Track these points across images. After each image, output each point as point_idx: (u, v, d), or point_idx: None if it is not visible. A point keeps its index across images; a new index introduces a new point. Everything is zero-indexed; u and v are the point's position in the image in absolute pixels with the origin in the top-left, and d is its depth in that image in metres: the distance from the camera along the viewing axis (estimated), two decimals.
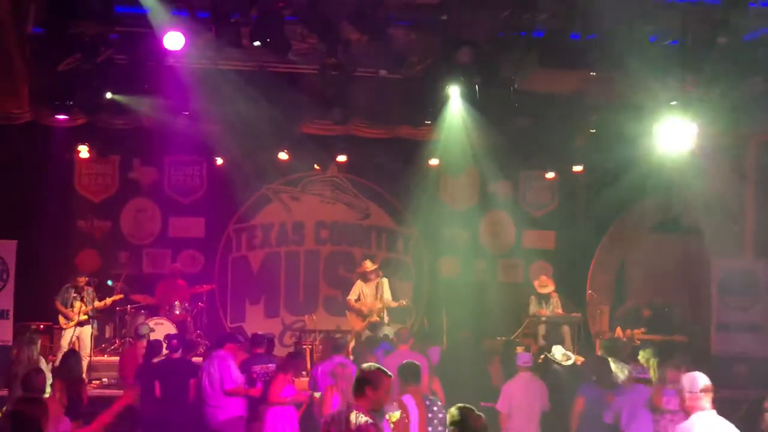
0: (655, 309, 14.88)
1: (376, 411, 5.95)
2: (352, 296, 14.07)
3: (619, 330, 14.70)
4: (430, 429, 7.19)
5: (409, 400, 7.33)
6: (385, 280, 14.05)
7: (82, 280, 13.55)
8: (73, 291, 13.41)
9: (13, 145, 13.93)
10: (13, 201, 14.66)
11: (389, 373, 6.09)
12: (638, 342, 14.36)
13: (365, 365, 6.22)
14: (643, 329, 14.57)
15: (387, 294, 13.90)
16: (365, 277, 14.00)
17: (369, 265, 14.11)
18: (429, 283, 17.02)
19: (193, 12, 9.67)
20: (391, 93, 12.28)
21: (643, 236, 16.65)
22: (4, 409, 7.44)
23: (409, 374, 7.58)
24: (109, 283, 14.56)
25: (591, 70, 10.67)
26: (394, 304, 13.97)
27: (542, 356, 12.48)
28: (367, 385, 5.92)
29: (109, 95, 11.84)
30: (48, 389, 8.88)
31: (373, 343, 11.90)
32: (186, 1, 9.66)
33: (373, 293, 13.90)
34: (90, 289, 13.58)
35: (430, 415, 7.35)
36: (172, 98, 11.93)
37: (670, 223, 16.60)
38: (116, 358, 13.53)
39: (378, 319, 13.63)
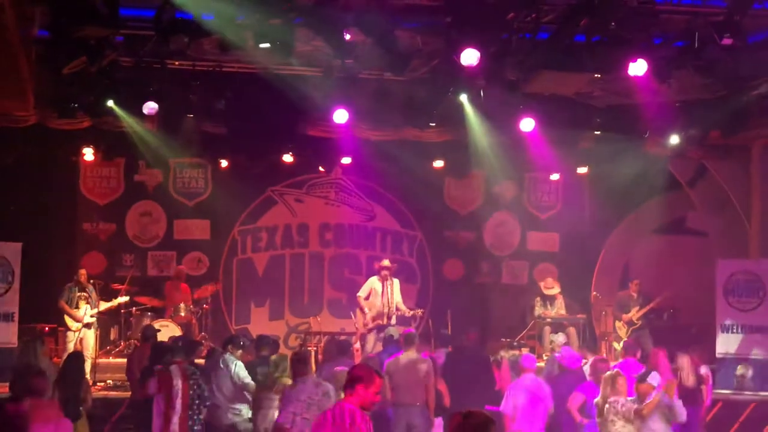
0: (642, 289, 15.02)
1: (366, 409, 6.06)
2: (362, 293, 13.97)
3: (619, 326, 14.74)
4: (191, 392, 9.00)
5: (175, 370, 9.09)
6: (396, 281, 13.95)
7: (83, 273, 13.54)
8: (76, 289, 13.38)
9: (18, 148, 13.96)
10: (18, 203, 14.70)
11: (382, 374, 6.51)
12: (638, 323, 14.45)
13: (358, 363, 6.43)
14: (637, 308, 14.61)
15: (397, 295, 13.79)
16: (380, 275, 13.86)
17: (387, 263, 14.04)
18: (434, 285, 17.01)
19: (198, 14, 9.66)
20: (395, 95, 12.27)
21: (648, 238, 16.62)
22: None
23: (178, 350, 9.75)
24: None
25: (596, 72, 10.65)
26: (409, 313, 13.85)
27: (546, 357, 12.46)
28: (359, 382, 6.03)
29: (110, 103, 11.85)
30: (50, 391, 8.88)
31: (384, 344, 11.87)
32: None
33: (383, 291, 13.75)
34: (91, 286, 13.57)
35: (191, 382, 9.08)
36: (177, 101, 11.96)
37: (675, 224, 16.58)
38: (121, 360, 13.56)
39: (385, 322, 13.56)
